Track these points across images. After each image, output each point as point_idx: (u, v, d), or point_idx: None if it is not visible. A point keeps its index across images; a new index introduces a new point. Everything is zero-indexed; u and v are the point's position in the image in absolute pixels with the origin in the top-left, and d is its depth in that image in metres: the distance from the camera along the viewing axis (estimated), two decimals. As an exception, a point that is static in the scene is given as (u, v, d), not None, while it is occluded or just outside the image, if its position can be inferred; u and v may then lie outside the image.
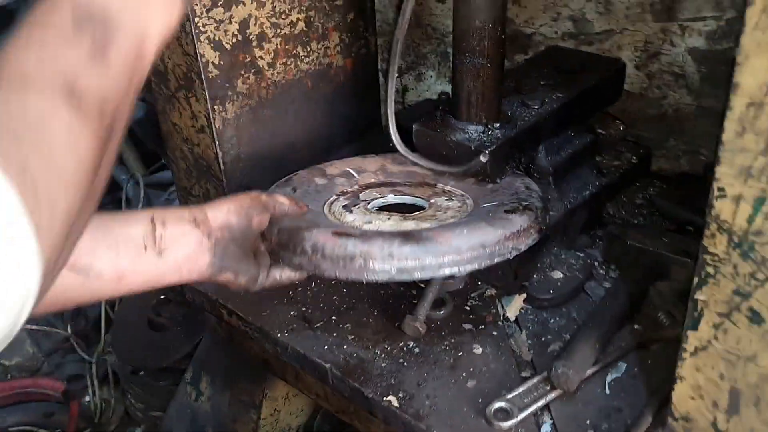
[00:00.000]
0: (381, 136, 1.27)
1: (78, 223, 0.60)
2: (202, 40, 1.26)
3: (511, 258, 1.04)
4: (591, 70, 1.35)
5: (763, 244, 0.73)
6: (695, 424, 0.88)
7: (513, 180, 1.19)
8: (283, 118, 1.47)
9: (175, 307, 2.09)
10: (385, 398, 1.05)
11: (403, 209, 1.22)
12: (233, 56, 1.33)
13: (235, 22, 1.30)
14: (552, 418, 1.01)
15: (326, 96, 1.54)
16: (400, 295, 1.26)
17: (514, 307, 1.20)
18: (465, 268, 1.01)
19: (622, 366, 1.08)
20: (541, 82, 1.31)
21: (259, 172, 1.43)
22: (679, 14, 1.42)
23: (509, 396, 1.03)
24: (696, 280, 0.80)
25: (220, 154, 1.38)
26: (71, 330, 2.40)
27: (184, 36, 1.26)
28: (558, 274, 1.23)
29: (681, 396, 0.88)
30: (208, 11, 1.25)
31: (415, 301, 1.18)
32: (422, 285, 1.22)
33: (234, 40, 1.32)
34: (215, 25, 1.27)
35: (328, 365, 1.12)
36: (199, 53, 1.27)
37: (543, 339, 1.14)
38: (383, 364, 1.11)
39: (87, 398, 2.33)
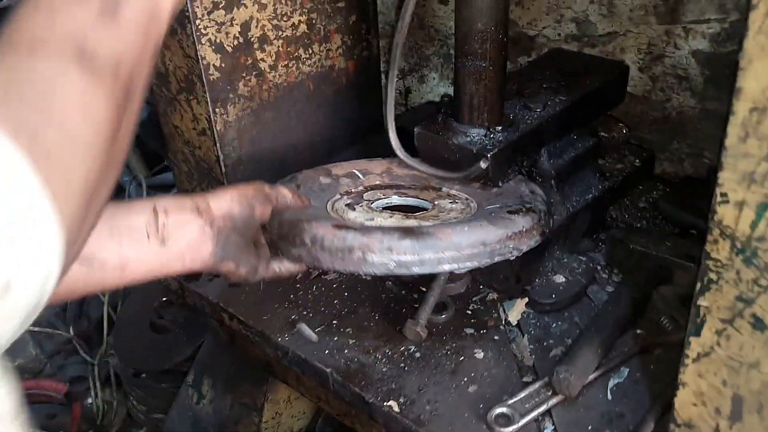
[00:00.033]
0: (383, 138, 1.26)
1: (99, 192, 0.58)
2: (203, 42, 1.26)
3: (512, 258, 1.04)
4: (594, 73, 1.34)
5: (766, 250, 0.72)
6: (698, 431, 0.87)
7: (518, 185, 1.18)
8: (285, 120, 1.46)
9: (177, 309, 2.09)
10: (385, 403, 1.05)
11: (407, 210, 1.22)
12: (234, 58, 1.32)
13: (237, 24, 1.30)
14: (554, 424, 1.00)
15: (328, 98, 1.53)
16: (402, 299, 1.25)
17: (516, 311, 1.19)
18: (464, 265, 1.00)
19: (625, 371, 1.08)
20: (544, 85, 1.30)
21: (260, 175, 1.42)
22: (683, 16, 1.41)
23: (510, 401, 1.02)
24: (698, 286, 0.79)
25: (221, 157, 1.37)
26: (74, 332, 2.40)
27: (185, 38, 1.26)
28: (560, 278, 1.22)
29: (683, 402, 0.87)
30: (209, 13, 1.25)
31: (416, 305, 1.17)
32: (424, 289, 1.21)
33: (235, 42, 1.31)
34: (216, 27, 1.27)
35: (328, 370, 1.11)
36: (200, 55, 1.26)
37: (545, 344, 1.14)
38: (384, 369, 1.11)
39: (89, 400, 2.33)
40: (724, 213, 0.74)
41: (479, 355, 1.13)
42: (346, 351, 1.15)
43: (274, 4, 1.35)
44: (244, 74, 1.35)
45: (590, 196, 1.30)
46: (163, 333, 2.11)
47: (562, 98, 1.26)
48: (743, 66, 0.67)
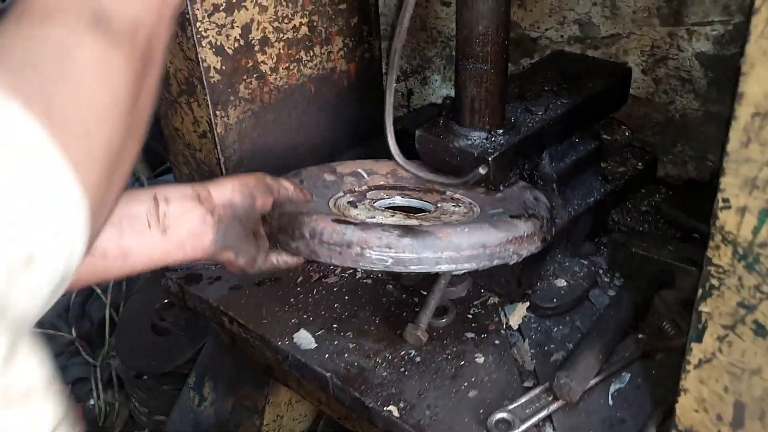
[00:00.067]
0: (385, 140, 1.26)
1: (122, 160, 0.57)
2: (203, 45, 1.25)
3: (511, 262, 1.03)
4: (596, 76, 1.34)
5: (768, 256, 0.72)
6: (699, 437, 0.86)
7: (522, 191, 1.18)
8: (286, 123, 1.46)
9: (179, 311, 2.09)
10: (385, 408, 1.04)
11: (409, 211, 1.21)
12: (235, 61, 1.32)
13: (237, 26, 1.30)
14: (554, 430, 1.00)
15: (330, 100, 1.53)
16: (403, 303, 1.25)
17: (517, 315, 1.19)
18: (463, 266, 1.00)
19: (626, 376, 1.07)
20: (546, 88, 1.30)
21: (261, 178, 1.42)
22: (687, 18, 1.40)
23: (511, 407, 1.02)
24: (700, 291, 0.79)
25: (222, 160, 1.37)
26: (76, 333, 2.40)
27: (185, 41, 1.25)
28: (562, 282, 1.21)
29: (685, 409, 0.87)
30: (209, 16, 1.25)
31: (417, 309, 1.17)
32: (424, 292, 1.21)
33: (236, 44, 1.31)
34: (217, 29, 1.27)
35: (328, 374, 1.11)
36: (201, 58, 1.26)
37: (546, 348, 1.13)
38: (384, 373, 1.10)
39: (91, 402, 2.33)
40: (726, 219, 0.73)
41: (480, 359, 1.12)
42: (346, 355, 1.14)
43: (275, 7, 1.34)
44: (244, 77, 1.35)
45: (592, 199, 1.29)
46: (164, 335, 2.11)
47: (564, 101, 1.25)
48: (745, 71, 0.66)
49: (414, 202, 1.27)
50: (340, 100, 1.55)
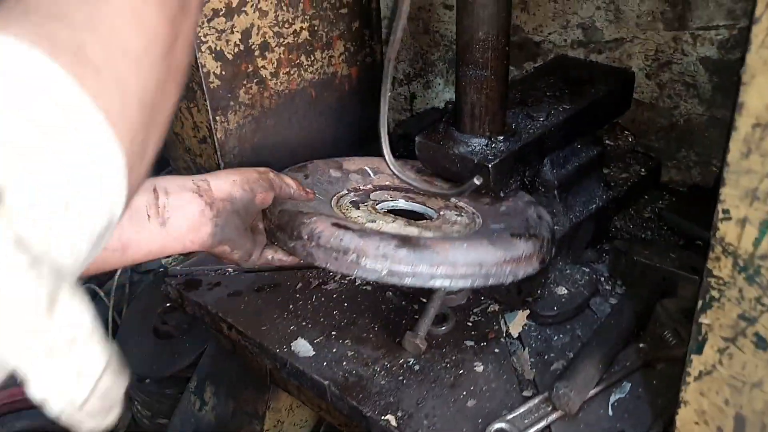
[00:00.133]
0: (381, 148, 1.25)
1: (161, 106, 0.55)
2: (203, 50, 1.25)
3: (507, 282, 1.02)
4: (599, 81, 1.32)
5: (769, 268, 0.70)
6: (699, 450, 0.85)
7: (527, 207, 1.16)
8: (287, 127, 1.45)
9: (181, 315, 2.08)
10: (383, 417, 1.03)
11: (412, 216, 1.20)
12: (235, 66, 1.31)
13: (237, 31, 1.29)
14: (553, 440, 0.99)
15: (331, 105, 1.52)
16: (402, 310, 1.24)
17: (517, 323, 1.17)
18: (457, 283, 0.99)
19: (627, 386, 1.06)
20: (547, 93, 1.28)
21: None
22: (691, 23, 1.39)
23: (509, 416, 1.01)
24: (700, 303, 0.78)
25: (222, 165, 1.37)
26: (79, 336, 2.39)
27: (185, 46, 1.25)
28: (562, 290, 1.20)
29: (685, 421, 0.86)
30: (209, 21, 1.24)
31: (416, 316, 1.16)
32: (424, 300, 1.20)
33: (236, 49, 1.30)
34: (217, 34, 1.26)
35: (326, 382, 1.10)
36: (200, 63, 1.26)
37: (546, 357, 1.12)
38: (382, 382, 1.09)
39: (94, 404, 2.33)
40: (726, 230, 0.72)
41: (479, 368, 1.11)
42: (344, 363, 1.13)
43: (276, 11, 1.34)
44: (245, 82, 1.34)
45: (594, 206, 1.28)
46: (166, 339, 2.10)
47: (566, 107, 1.24)
48: (746, 81, 0.65)
49: (417, 207, 1.26)
50: (341, 105, 1.54)
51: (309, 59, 1.44)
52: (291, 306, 1.26)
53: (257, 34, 1.32)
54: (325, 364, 1.13)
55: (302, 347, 1.16)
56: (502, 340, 1.16)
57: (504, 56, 1.12)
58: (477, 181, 1.07)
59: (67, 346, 0.41)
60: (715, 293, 0.76)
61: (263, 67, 1.36)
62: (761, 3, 0.62)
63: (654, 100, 1.51)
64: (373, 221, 1.14)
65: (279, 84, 1.40)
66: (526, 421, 1.00)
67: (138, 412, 2.24)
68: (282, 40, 1.37)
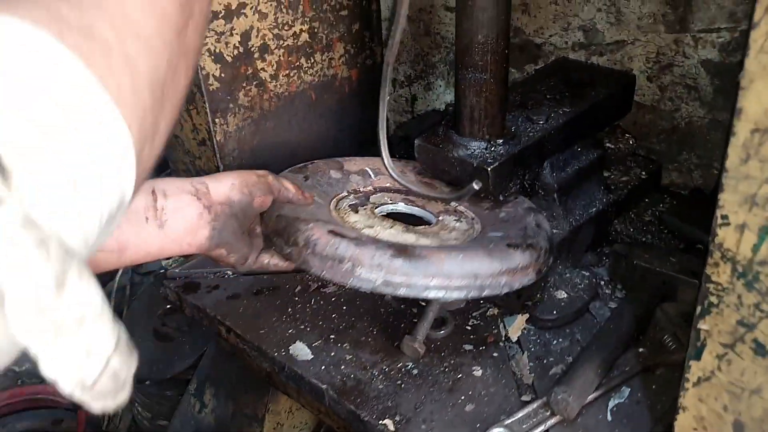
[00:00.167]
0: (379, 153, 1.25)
1: (174, 83, 0.54)
2: (202, 52, 1.25)
3: (502, 293, 1.01)
4: (599, 84, 1.32)
5: (767, 275, 0.70)
6: (698, 457, 0.85)
7: (526, 215, 1.15)
8: (287, 130, 1.45)
9: (181, 317, 2.08)
10: (381, 422, 1.03)
11: (410, 220, 1.20)
12: (235, 68, 1.31)
13: (237, 34, 1.29)
14: (552, 445, 0.98)
15: (331, 107, 1.52)
16: (401, 313, 1.23)
17: (517, 327, 1.17)
18: (452, 294, 0.98)
19: (626, 391, 1.05)
20: (548, 96, 1.28)
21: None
22: (692, 25, 1.38)
23: (508, 421, 1.00)
24: (699, 309, 0.77)
25: (221, 167, 1.37)
26: (80, 337, 2.40)
27: (184, 48, 1.25)
28: (562, 294, 1.19)
29: (683, 427, 0.85)
30: (208, 23, 1.24)
31: (415, 320, 1.15)
32: (423, 303, 1.19)
33: (235, 52, 1.30)
34: (216, 37, 1.26)
35: (324, 386, 1.09)
36: (199, 65, 1.25)
37: (545, 361, 1.11)
38: (380, 386, 1.09)
39: (95, 405, 2.33)
40: (725, 236, 0.72)
41: (478, 372, 1.10)
42: (342, 367, 1.13)
43: (275, 14, 1.33)
44: (244, 84, 1.34)
45: (594, 209, 1.28)
46: (167, 341, 2.10)
47: (566, 110, 1.24)
48: (744, 86, 0.65)
49: (416, 211, 1.25)
50: (341, 107, 1.54)
51: (309, 61, 1.43)
52: (289, 309, 1.26)
53: (257, 36, 1.32)
54: (323, 367, 1.13)
55: (300, 351, 1.16)
56: (501, 344, 1.16)
57: (503, 59, 1.12)
58: (476, 186, 1.06)
59: (76, 324, 0.41)
60: (713, 299, 0.76)
61: (263, 69, 1.36)
62: (760, 8, 0.61)
63: (655, 103, 1.50)
64: (371, 227, 1.14)
65: (279, 86, 1.40)
66: (524, 426, 1.00)
67: (138, 414, 2.24)
68: (282, 42, 1.37)
